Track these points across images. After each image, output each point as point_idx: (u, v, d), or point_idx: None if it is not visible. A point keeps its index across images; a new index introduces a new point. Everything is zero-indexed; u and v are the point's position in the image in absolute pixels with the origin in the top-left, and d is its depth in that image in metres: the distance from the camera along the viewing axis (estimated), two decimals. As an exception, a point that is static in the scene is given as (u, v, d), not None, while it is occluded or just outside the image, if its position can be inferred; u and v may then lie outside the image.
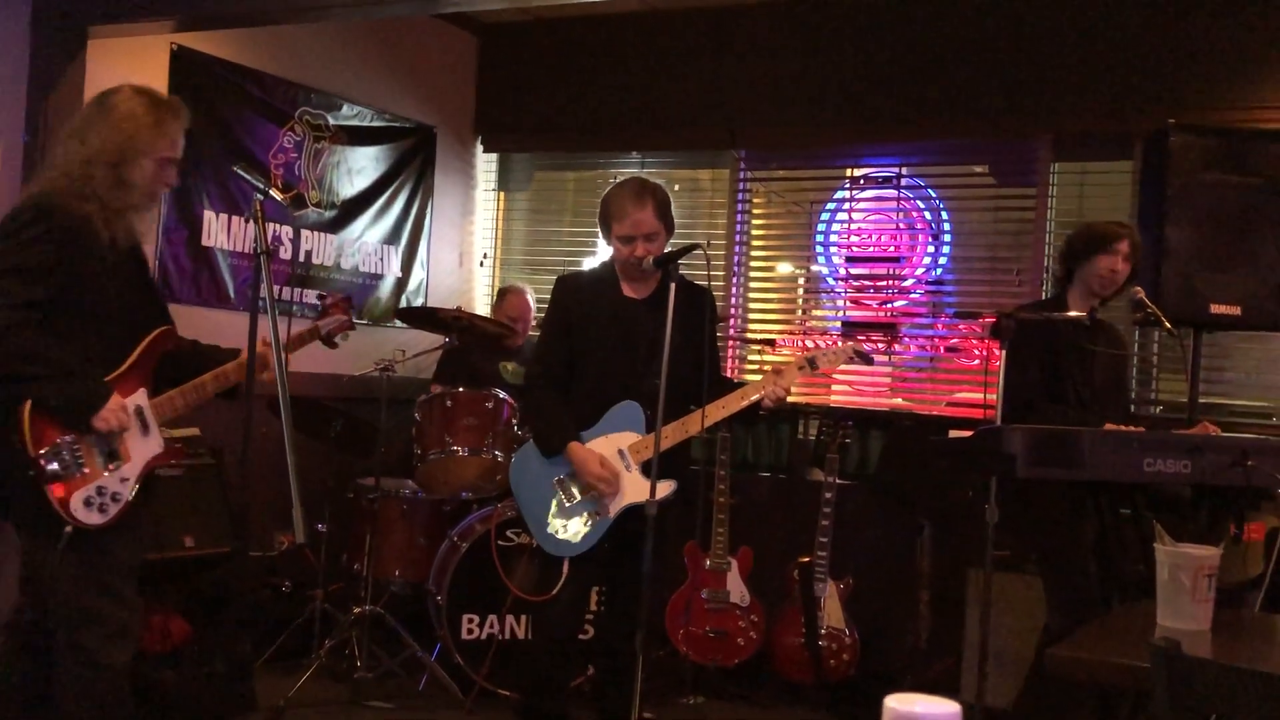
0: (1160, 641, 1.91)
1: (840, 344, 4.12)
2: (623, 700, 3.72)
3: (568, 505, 3.81)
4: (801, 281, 6.30)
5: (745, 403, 3.79)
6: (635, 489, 3.74)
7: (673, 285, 3.54)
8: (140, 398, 3.25)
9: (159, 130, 3.24)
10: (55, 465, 3.07)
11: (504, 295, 5.92)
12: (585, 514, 3.79)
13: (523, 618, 4.83)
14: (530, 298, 5.88)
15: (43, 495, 3.05)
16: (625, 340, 3.85)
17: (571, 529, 3.80)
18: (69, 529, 3.06)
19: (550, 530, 3.81)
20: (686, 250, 3.74)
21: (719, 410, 3.78)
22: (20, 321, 3.02)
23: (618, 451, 3.80)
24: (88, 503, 3.10)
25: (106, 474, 3.15)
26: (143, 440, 3.25)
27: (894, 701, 1.01)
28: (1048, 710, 4.02)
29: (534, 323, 5.87)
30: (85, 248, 3.12)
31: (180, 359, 3.42)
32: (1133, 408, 4.84)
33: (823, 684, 5.02)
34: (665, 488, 3.70)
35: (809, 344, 6.00)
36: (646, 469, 3.73)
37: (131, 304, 3.29)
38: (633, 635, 3.52)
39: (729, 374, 6.16)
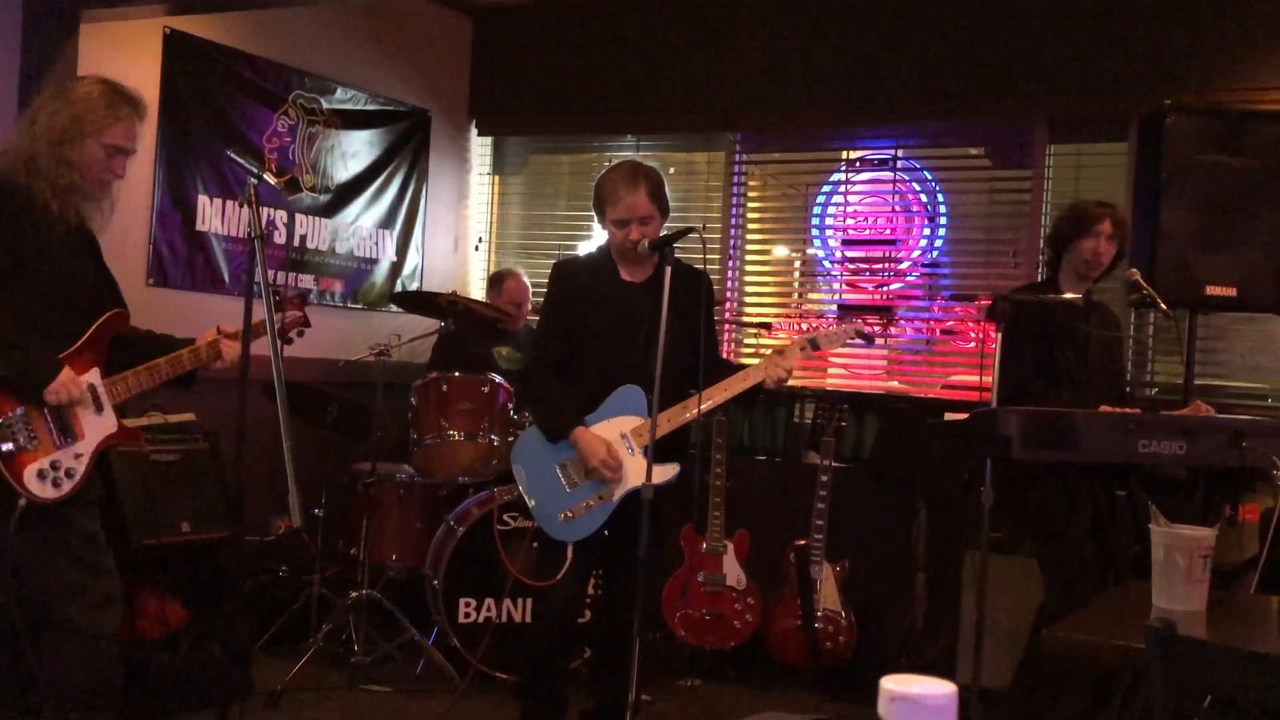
0: (1155, 622, 1.92)
1: (841, 325, 4.11)
2: (620, 683, 3.73)
3: (570, 490, 3.81)
4: (797, 265, 6.30)
5: (747, 384, 3.78)
6: (639, 472, 3.73)
7: (668, 269, 3.54)
8: (93, 376, 3.26)
9: (109, 114, 3.23)
10: (6, 441, 3.07)
11: (502, 280, 5.90)
12: (589, 498, 3.79)
13: (520, 601, 4.84)
14: (526, 280, 5.88)
15: None
16: (624, 324, 3.84)
17: (575, 513, 3.79)
18: (22, 502, 3.06)
19: (553, 515, 3.81)
20: (682, 234, 3.73)
21: (720, 392, 3.77)
22: None
23: (620, 435, 3.79)
24: (40, 475, 3.10)
25: (60, 450, 3.15)
26: (96, 419, 3.25)
27: (890, 683, 1.01)
28: (1043, 691, 4.04)
29: (531, 301, 5.87)
30: (34, 224, 3.13)
31: (135, 345, 3.42)
32: (1129, 389, 4.85)
33: (819, 666, 5.03)
34: (667, 471, 3.70)
35: (805, 327, 6.00)
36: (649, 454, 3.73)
37: (83, 284, 3.30)
38: (630, 618, 3.53)
39: (725, 357, 6.16)
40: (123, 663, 3.35)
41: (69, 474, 3.15)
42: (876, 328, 5.81)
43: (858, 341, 4.11)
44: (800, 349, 3.85)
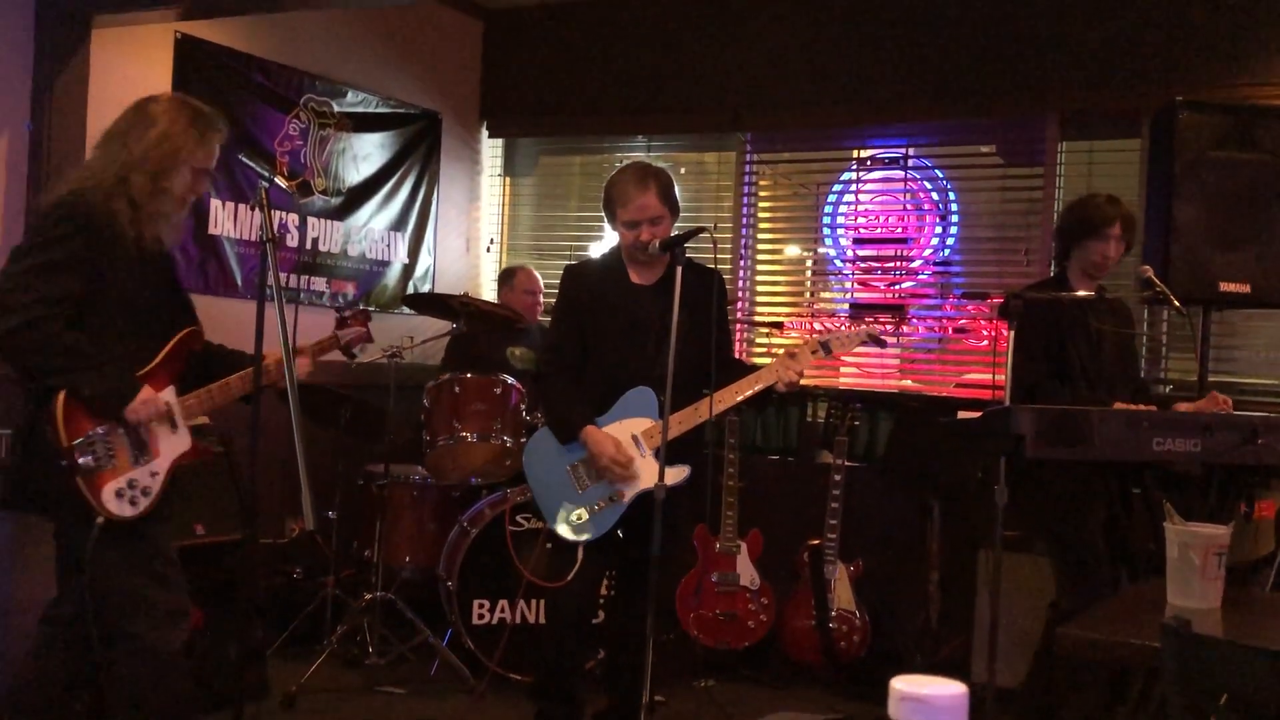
0: (1170, 620, 1.91)
1: (853, 327, 4.10)
2: (634, 684, 3.73)
3: (582, 491, 3.81)
4: (809, 264, 6.29)
5: (759, 387, 3.77)
6: (650, 474, 3.72)
7: (679, 269, 3.53)
8: (169, 394, 3.28)
9: (200, 142, 3.29)
10: (88, 457, 3.09)
11: (512, 274, 5.93)
12: (600, 499, 3.79)
13: (534, 602, 4.85)
14: (536, 273, 5.91)
15: (75, 487, 3.07)
16: (635, 327, 3.84)
17: (587, 515, 3.79)
18: (100, 520, 3.08)
19: (565, 516, 3.81)
20: (693, 234, 3.73)
21: (732, 395, 3.77)
22: (50, 315, 3.05)
23: (632, 437, 3.79)
24: (119, 494, 3.12)
25: (136, 468, 3.17)
26: (171, 437, 3.28)
27: (901, 683, 1.01)
28: (1057, 690, 4.03)
29: (546, 297, 5.88)
30: (113, 246, 3.15)
31: (206, 361, 3.47)
32: (1145, 384, 4.84)
33: (833, 666, 5.03)
34: (678, 473, 3.70)
35: (817, 326, 6.00)
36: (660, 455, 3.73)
37: (159, 304, 3.33)
38: (643, 619, 3.52)
39: (738, 357, 6.16)
40: (188, 674, 3.36)
41: (145, 492, 3.17)
42: (889, 326, 5.81)
43: (870, 344, 4.09)
44: (812, 352, 3.84)
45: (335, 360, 4.26)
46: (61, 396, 3.08)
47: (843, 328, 5.71)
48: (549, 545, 4.71)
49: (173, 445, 3.28)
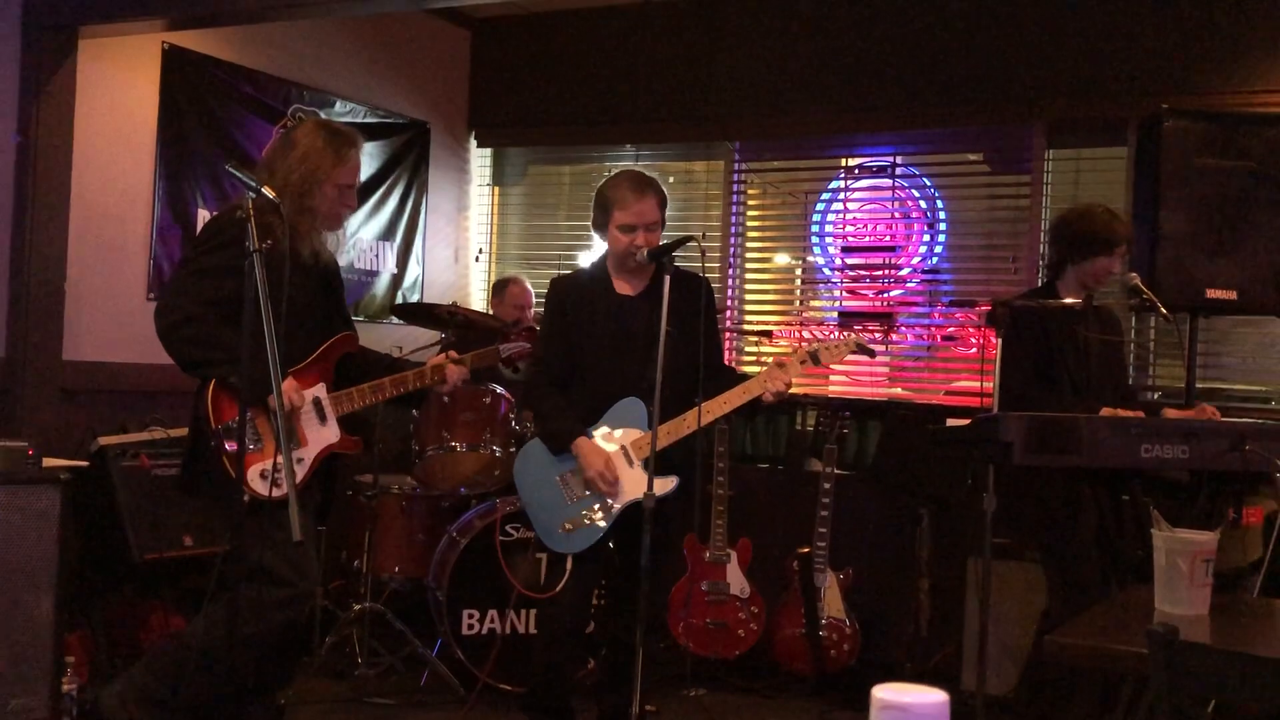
0: (1158, 627, 1.91)
1: (842, 337, 4.11)
2: (624, 693, 3.72)
3: (571, 502, 3.80)
4: (798, 272, 6.30)
5: (746, 397, 3.78)
6: (638, 485, 3.72)
7: (666, 277, 3.54)
8: (319, 390, 3.65)
9: (338, 159, 3.65)
10: (233, 439, 3.33)
11: (504, 286, 5.93)
12: (589, 510, 3.78)
13: (524, 612, 4.83)
14: (529, 286, 5.90)
15: (223, 466, 3.42)
16: (622, 337, 3.84)
17: (576, 525, 3.79)
18: (246, 498, 3.33)
19: (554, 527, 3.80)
20: (681, 242, 3.74)
21: (720, 405, 3.77)
22: (203, 315, 3.45)
23: (621, 448, 3.79)
24: (263, 475, 3.43)
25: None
26: (320, 429, 3.64)
27: (882, 692, 1.01)
28: (1048, 697, 4.03)
29: (534, 309, 5.88)
30: (268, 254, 3.33)
31: (367, 365, 3.87)
32: (1133, 391, 4.85)
33: (823, 674, 5.02)
34: (667, 483, 3.70)
35: (806, 335, 6.01)
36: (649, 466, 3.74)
37: (315, 311, 3.69)
38: (633, 628, 3.52)
39: (727, 365, 6.16)
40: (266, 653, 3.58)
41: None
42: (878, 334, 5.82)
43: (860, 353, 4.09)
44: (801, 362, 3.84)
45: (514, 375, 4.43)
46: (213, 385, 3.46)
47: (832, 336, 5.72)
48: (539, 556, 4.72)
49: (321, 436, 3.63)
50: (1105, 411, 3.87)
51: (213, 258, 3.51)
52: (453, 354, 3.96)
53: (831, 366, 5.85)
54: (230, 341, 3.38)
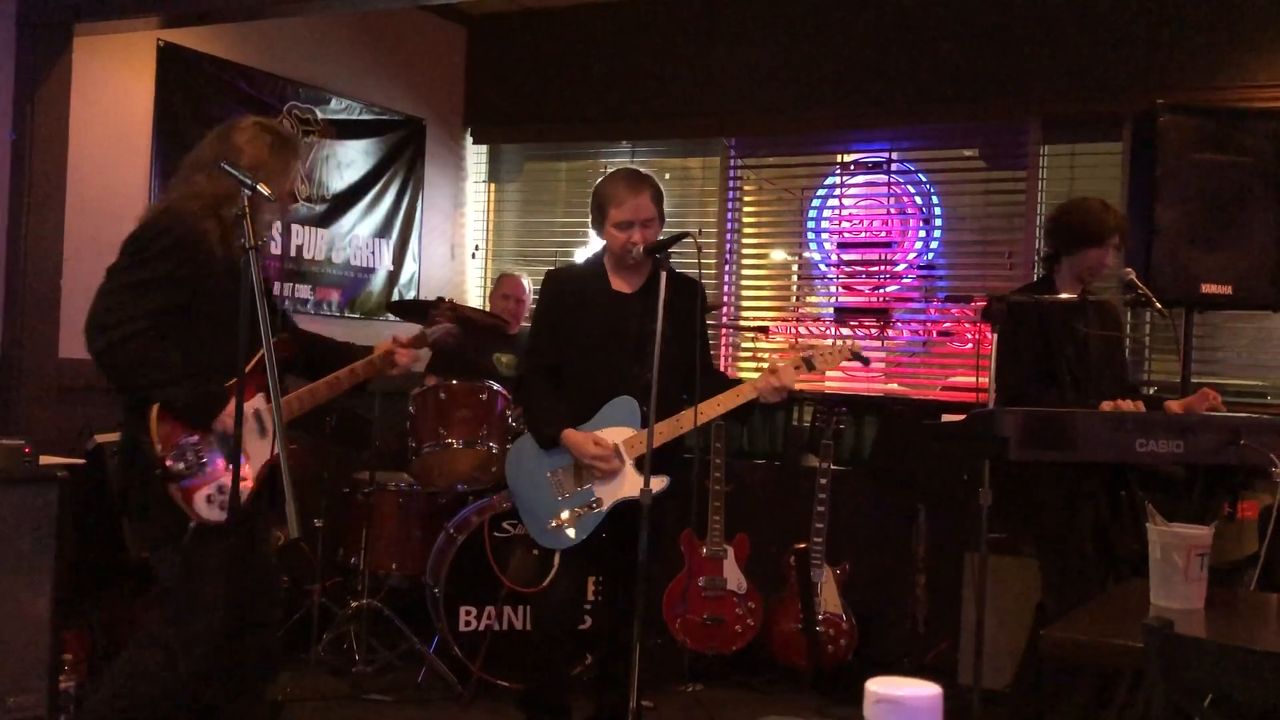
0: (1153, 621, 1.92)
1: (837, 344, 4.11)
2: (621, 689, 3.73)
3: (562, 499, 3.81)
4: (794, 268, 6.30)
5: (740, 401, 3.78)
6: (630, 483, 3.74)
7: (663, 275, 3.54)
8: (258, 401, 3.41)
9: (284, 173, 3.44)
10: (180, 465, 3.21)
11: (500, 279, 5.95)
12: (580, 507, 3.79)
13: (520, 609, 4.84)
14: (525, 280, 5.91)
15: (168, 494, 3.22)
16: (614, 334, 3.83)
17: (565, 521, 3.79)
18: (193, 525, 3.22)
19: (543, 524, 3.81)
20: (677, 239, 3.74)
21: (714, 408, 3.77)
22: (142, 331, 3.20)
23: (613, 446, 3.79)
24: (209, 500, 3.26)
25: (227, 474, 3.25)
26: (260, 442, 3.41)
27: (875, 685, 1.01)
28: (1044, 691, 4.03)
29: (530, 304, 5.87)
30: (204, 264, 3.28)
31: (319, 356, 3.67)
32: (1142, 388, 4.86)
33: (820, 669, 5.03)
34: (659, 483, 3.70)
35: (803, 330, 6.01)
36: (640, 464, 3.74)
37: (251, 318, 3.39)
38: (630, 624, 3.53)
39: (722, 363, 6.17)
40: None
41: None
42: (873, 331, 5.82)
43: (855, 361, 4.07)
44: (795, 368, 3.84)
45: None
46: (155, 408, 3.21)
47: (828, 340, 5.73)
48: (535, 552, 4.73)
49: (263, 449, 3.42)
50: (1105, 405, 3.88)
51: (150, 268, 3.25)
52: (399, 336, 3.78)
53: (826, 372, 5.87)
54: (174, 360, 3.24)
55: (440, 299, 4.85)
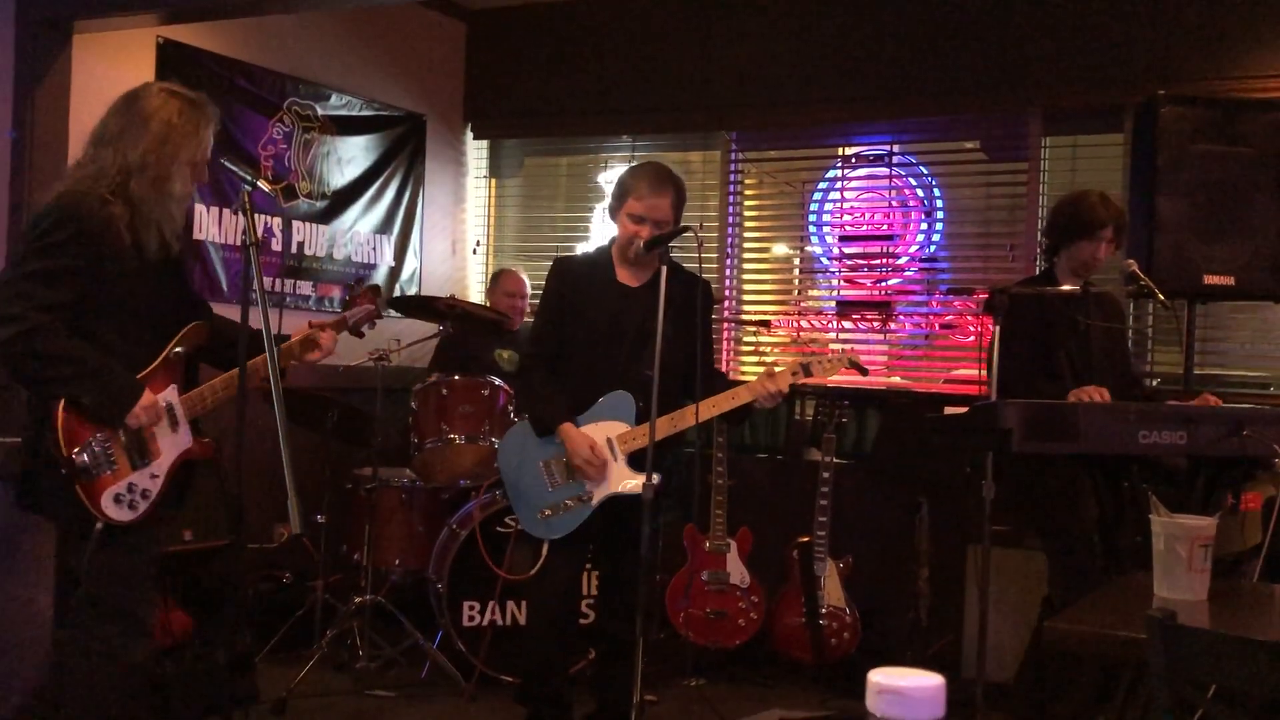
0: (1156, 612, 1.92)
1: (836, 353, 4.11)
2: (624, 684, 3.73)
3: (552, 489, 3.82)
4: (796, 262, 6.29)
5: (736, 403, 3.78)
6: (620, 479, 3.75)
7: (664, 269, 3.53)
8: (170, 394, 3.25)
9: (195, 137, 3.23)
10: (87, 462, 3.07)
11: (499, 276, 5.94)
12: (569, 498, 3.80)
13: (524, 603, 4.84)
14: (525, 276, 5.90)
15: (74, 493, 3.06)
16: (615, 326, 3.83)
17: (552, 512, 3.80)
18: (99, 526, 3.08)
19: (534, 512, 3.82)
20: (677, 233, 3.73)
21: (709, 409, 3.76)
22: (47, 324, 3.01)
23: (606, 440, 3.79)
24: (118, 500, 3.11)
25: (136, 471, 3.15)
26: (172, 436, 3.25)
27: (878, 676, 1.01)
28: (1048, 684, 4.03)
29: (530, 300, 5.87)
30: (111, 249, 3.11)
31: (222, 348, 3.40)
32: (1144, 380, 4.85)
33: (824, 663, 5.03)
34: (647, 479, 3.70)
35: (804, 324, 6.00)
36: (633, 459, 3.75)
37: (163, 305, 3.28)
38: (632, 619, 3.53)
39: (724, 357, 6.17)
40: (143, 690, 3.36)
41: (144, 495, 3.16)
42: (875, 324, 5.81)
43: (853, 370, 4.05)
44: (793, 374, 3.84)
45: (321, 364, 4.26)
46: (61, 405, 3.05)
47: (829, 344, 5.74)
48: (519, 542, 4.72)
49: (174, 444, 3.25)
50: (1070, 396, 3.87)
51: (53, 258, 3.05)
52: (314, 321, 3.61)
53: (829, 349, 5.87)
54: (81, 354, 3.06)
55: (359, 280, 4.76)
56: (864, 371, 4.07)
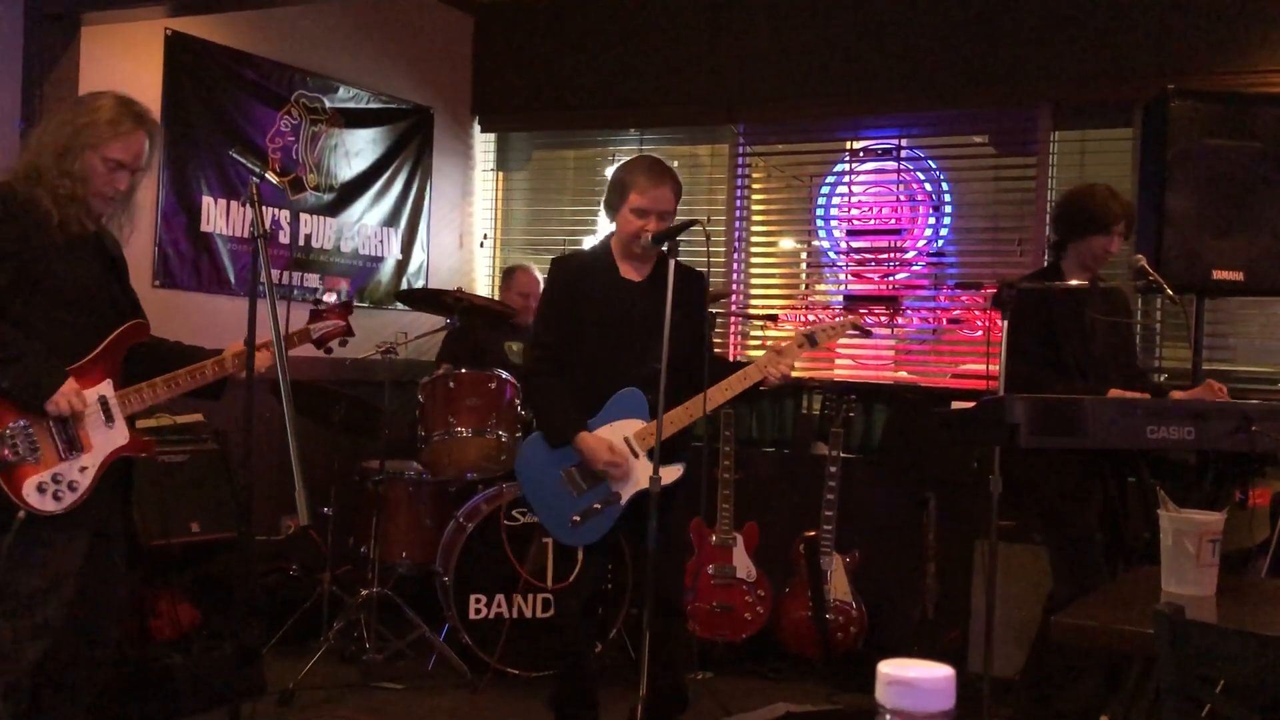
0: (1164, 607, 1.91)
1: (839, 318, 4.11)
2: (673, 670, 3.83)
3: (578, 496, 3.79)
4: (803, 256, 6.29)
5: (746, 384, 3.77)
6: (645, 475, 3.72)
7: (671, 262, 3.53)
8: (105, 388, 3.21)
9: (112, 129, 3.19)
10: (5, 450, 3.03)
11: (512, 273, 5.93)
12: (597, 502, 3.77)
13: (530, 596, 4.85)
14: (538, 274, 5.90)
15: None
16: (621, 323, 3.81)
17: (584, 518, 3.77)
18: (21, 515, 3.02)
19: (563, 521, 3.79)
20: (685, 226, 3.72)
21: (721, 392, 3.76)
22: None
23: (623, 439, 3.78)
24: (40, 488, 3.06)
25: (64, 462, 3.11)
26: (106, 430, 3.20)
27: (887, 667, 1.01)
28: (1055, 679, 4.03)
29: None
30: (37, 233, 3.09)
31: (159, 357, 3.39)
32: (1153, 375, 4.83)
33: (830, 657, 5.03)
34: (673, 472, 3.69)
35: (812, 318, 6.00)
36: (654, 456, 3.73)
37: (94, 294, 3.25)
38: (659, 613, 3.54)
39: (731, 350, 6.16)
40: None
41: (71, 487, 3.11)
42: (883, 318, 5.80)
43: (857, 334, 4.07)
44: (799, 346, 3.83)
45: (322, 358, 4.27)
46: None
47: (828, 321, 5.72)
48: (545, 540, 4.73)
49: (109, 439, 3.20)
50: (1113, 393, 3.87)
51: None
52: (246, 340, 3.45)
53: (837, 349, 5.86)
54: (6, 338, 3.02)
55: (323, 293, 4.72)
56: (867, 333, 4.06)
